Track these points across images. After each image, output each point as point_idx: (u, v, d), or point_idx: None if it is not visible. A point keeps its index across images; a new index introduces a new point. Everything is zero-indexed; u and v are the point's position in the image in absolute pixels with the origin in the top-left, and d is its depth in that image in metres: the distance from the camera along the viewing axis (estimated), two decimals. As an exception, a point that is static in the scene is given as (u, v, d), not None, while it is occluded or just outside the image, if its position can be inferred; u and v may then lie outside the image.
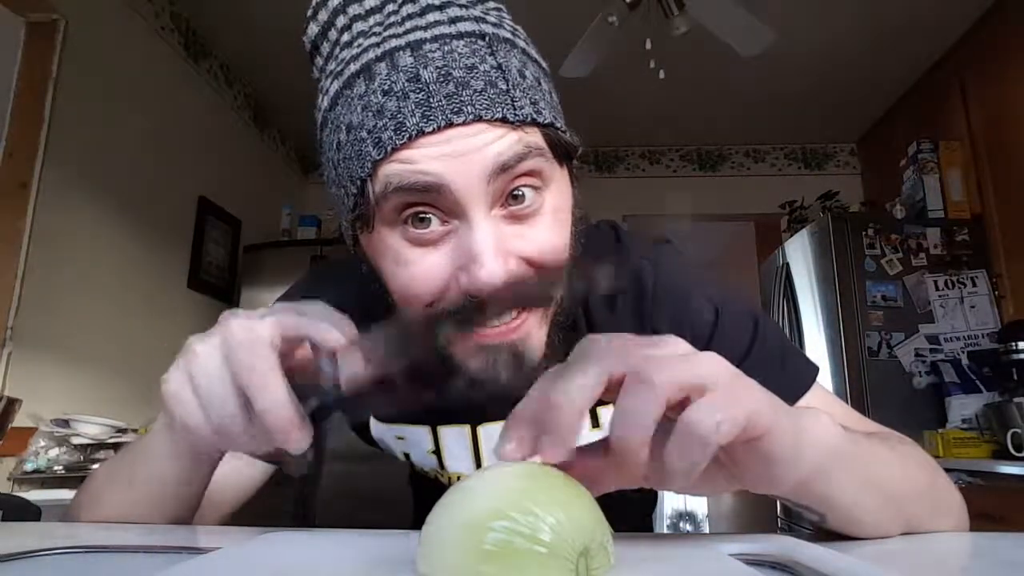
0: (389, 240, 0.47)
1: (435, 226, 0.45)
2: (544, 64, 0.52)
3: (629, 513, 0.73)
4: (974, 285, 2.57)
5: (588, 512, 0.26)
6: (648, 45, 2.15)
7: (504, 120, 0.44)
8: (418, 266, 0.46)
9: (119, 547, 0.37)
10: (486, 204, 0.44)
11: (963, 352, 2.50)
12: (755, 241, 4.14)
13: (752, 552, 0.33)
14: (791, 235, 3.08)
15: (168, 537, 0.41)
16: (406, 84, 0.44)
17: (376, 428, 0.65)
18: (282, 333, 0.37)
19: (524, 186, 0.45)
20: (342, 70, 0.47)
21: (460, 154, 0.43)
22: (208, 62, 2.89)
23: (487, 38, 0.46)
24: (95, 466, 1.85)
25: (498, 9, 0.50)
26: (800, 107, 3.45)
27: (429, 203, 0.44)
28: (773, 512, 3.15)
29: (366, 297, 0.59)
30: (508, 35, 0.48)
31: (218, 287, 2.98)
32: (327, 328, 0.37)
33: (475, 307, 0.45)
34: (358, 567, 0.31)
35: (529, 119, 0.45)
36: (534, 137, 0.46)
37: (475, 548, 0.24)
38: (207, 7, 2.67)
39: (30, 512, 0.98)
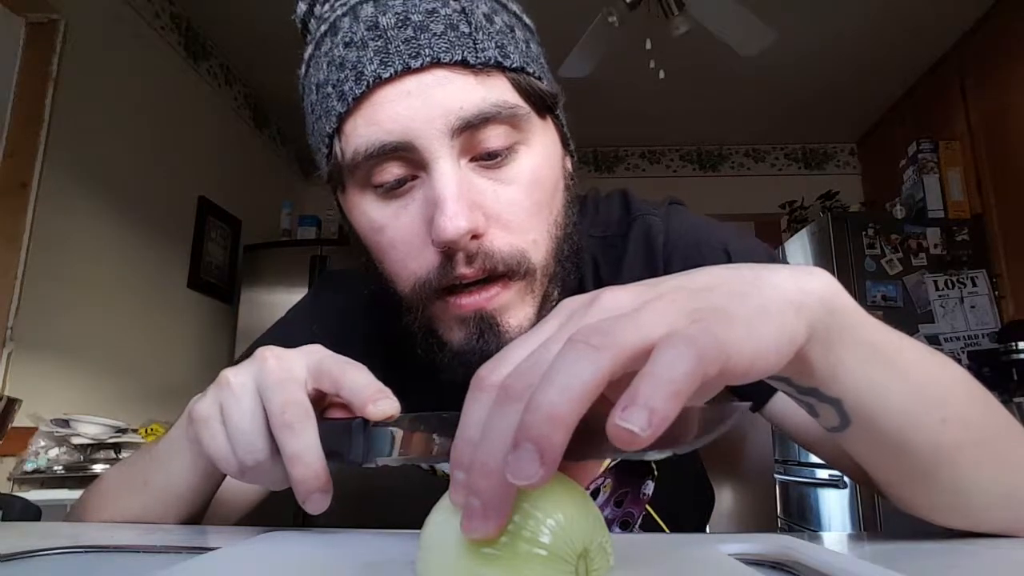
0: (361, 203, 0.47)
1: (403, 177, 0.45)
2: (526, 20, 0.51)
3: (690, 515, 0.72)
4: (974, 285, 2.57)
5: (587, 513, 0.26)
6: (648, 45, 2.15)
7: (465, 63, 0.43)
8: (393, 229, 0.46)
9: (119, 547, 0.37)
10: (451, 155, 0.43)
11: (963, 352, 2.50)
12: (755, 241, 4.14)
13: (752, 552, 0.33)
14: (791, 235, 3.08)
15: (168, 537, 0.41)
16: (365, 33, 0.44)
17: None
18: (316, 384, 0.36)
19: (496, 138, 0.44)
20: (315, 33, 0.47)
21: (422, 107, 0.43)
22: (208, 62, 2.89)
23: None
24: (95, 467, 1.85)
25: None
26: (800, 107, 3.45)
27: (397, 159, 0.44)
28: (773, 512, 3.15)
29: (375, 302, 0.59)
30: None
31: (218, 287, 2.98)
32: (369, 395, 0.34)
33: (446, 262, 0.44)
34: (358, 567, 0.31)
35: (493, 62, 0.44)
36: (502, 92, 0.45)
37: (474, 551, 0.24)
38: (207, 7, 2.67)
39: (30, 512, 0.98)
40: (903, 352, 0.33)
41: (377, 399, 0.34)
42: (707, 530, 0.80)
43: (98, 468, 1.87)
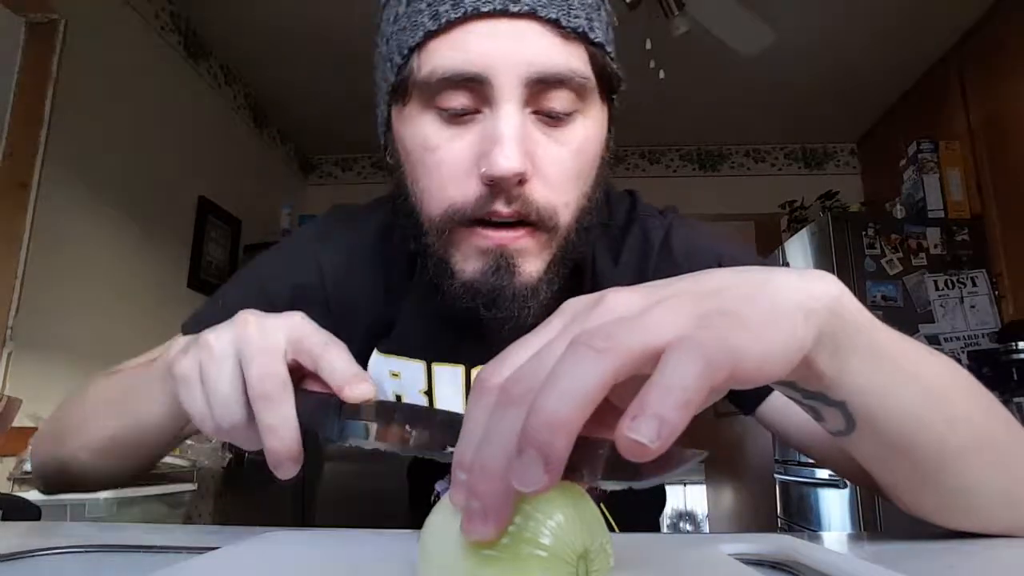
0: (420, 120, 0.48)
1: (468, 108, 0.47)
2: (608, 5, 0.53)
3: (641, 515, 0.73)
4: (974, 285, 2.57)
5: (587, 514, 0.26)
6: (648, 45, 2.15)
7: (557, 24, 0.45)
8: (445, 151, 0.48)
9: (119, 547, 0.37)
10: (519, 100, 0.46)
11: (963, 352, 2.50)
12: (755, 241, 4.14)
13: (752, 552, 0.34)
14: (791, 235, 3.08)
15: (168, 537, 0.41)
16: None
17: (374, 363, 0.65)
18: (295, 356, 0.36)
19: (561, 100, 0.47)
20: None
21: (508, 49, 0.45)
22: (208, 62, 2.89)
23: None
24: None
25: None
26: (800, 107, 3.45)
27: (468, 89, 0.46)
28: (773, 512, 3.15)
29: (385, 235, 0.62)
30: None
31: (218, 287, 2.97)
32: (346, 378, 0.35)
33: (486, 195, 0.46)
34: (358, 567, 0.31)
35: (581, 31, 0.46)
36: (580, 60, 0.47)
37: (474, 552, 0.24)
38: (207, 7, 2.67)
39: (30, 512, 0.98)
40: (908, 355, 0.33)
41: (353, 383, 0.34)
42: (660, 529, 0.81)
43: (98, 468, 1.87)
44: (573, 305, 0.27)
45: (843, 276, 2.49)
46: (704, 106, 3.48)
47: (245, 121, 3.25)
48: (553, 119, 0.47)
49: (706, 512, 5.11)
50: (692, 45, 2.33)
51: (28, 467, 1.82)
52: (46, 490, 0.60)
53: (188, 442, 2.16)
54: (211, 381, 0.36)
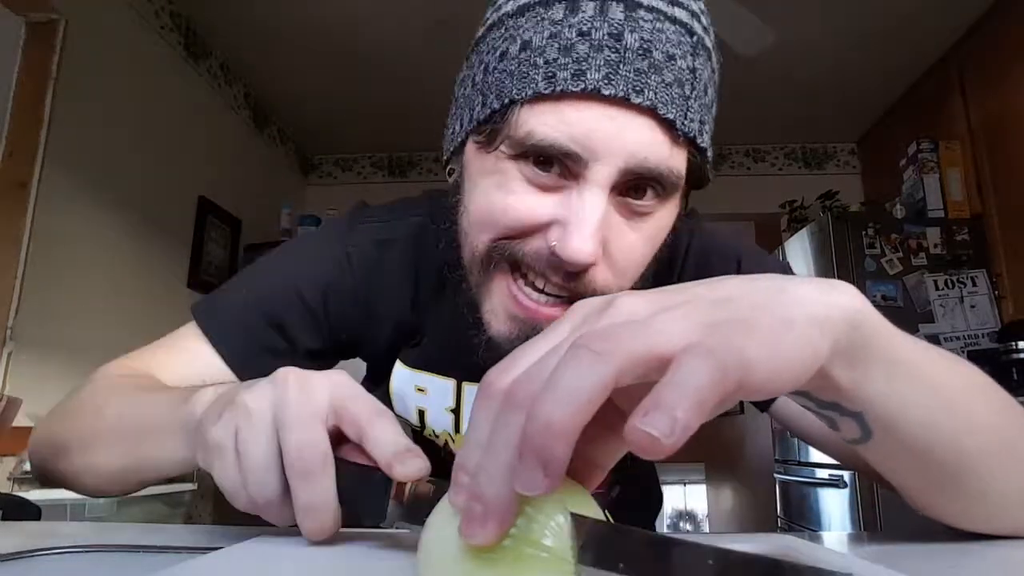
0: (504, 166, 0.46)
1: (554, 177, 0.45)
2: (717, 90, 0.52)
3: (639, 515, 0.74)
4: (974, 285, 2.57)
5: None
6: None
7: (672, 125, 0.43)
8: (519, 198, 0.46)
9: (119, 547, 0.37)
10: (609, 186, 0.44)
11: (963, 352, 2.50)
12: (755, 241, 4.14)
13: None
14: (791, 235, 3.08)
15: (168, 537, 0.41)
16: (606, 38, 0.43)
17: (399, 377, 0.63)
18: (337, 423, 0.34)
19: (649, 188, 0.45)
20: None
21: (613, 137, 0.43)
22: (208, 61, 2.89)
23: (695, 37, 0.45)
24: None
25: (708, 15, 0.49)
26: (800, 107, 3.45)
27: (560, 162, 0.44)
28: (773, 512, 3.15)
29: (419, 242, 0.61)
30: (710, 46, 0.47)
31: (218, 287, 2.97)
32: (396, 453, 0.32)
33: (548, 261, 0.45)
34: (357, 568, 0.31)
35: (692, 135, 0.45)
36: (680, 163, 0.46)
37: (475, 553, 0.24)
38: (207, 7, 2.67)
39: (30, 512, 0.98)
40: (927, 363, 0.32)
41: (404, 458, 0.32)
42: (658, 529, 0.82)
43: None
44: (583, 307, 0.27)
45: (843, 276, 2.50)
46: (704, 106, 3.48)
47: (245, 121, 3.25)
48: (636, 205, 0.46)
49: (706, 512, 5.10)
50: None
51: (28, 467, 1.82)
52: (45, 485, 0.58)
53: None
54: (246, 450, 0.33)
